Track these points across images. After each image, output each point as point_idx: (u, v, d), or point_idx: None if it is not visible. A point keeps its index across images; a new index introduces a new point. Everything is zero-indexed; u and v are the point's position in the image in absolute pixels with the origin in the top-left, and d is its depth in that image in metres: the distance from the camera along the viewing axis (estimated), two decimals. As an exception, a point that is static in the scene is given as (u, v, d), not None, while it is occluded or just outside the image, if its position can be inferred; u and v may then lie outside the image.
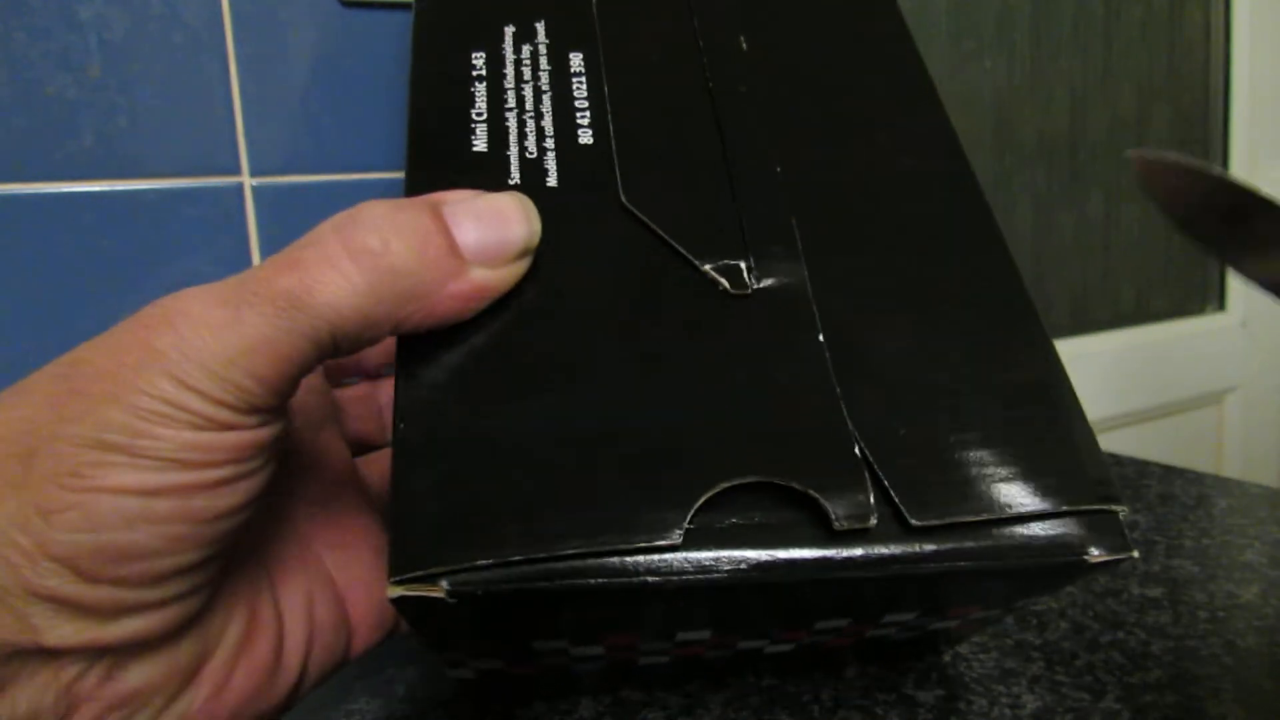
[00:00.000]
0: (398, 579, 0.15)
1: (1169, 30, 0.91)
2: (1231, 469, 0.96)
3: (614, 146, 0.20)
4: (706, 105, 0.21)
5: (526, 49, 0.22)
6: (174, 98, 0.34)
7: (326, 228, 0.17)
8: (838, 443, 0.17)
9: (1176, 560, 0.33)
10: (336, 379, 0.27)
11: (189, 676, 0.18)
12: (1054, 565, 0.17)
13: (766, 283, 0.19)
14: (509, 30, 0.22)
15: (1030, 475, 0.17)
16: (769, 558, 0.16)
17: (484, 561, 0.15)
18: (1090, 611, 0.29)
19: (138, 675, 0.17)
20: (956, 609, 0.20)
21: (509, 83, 0.21)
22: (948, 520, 0.16)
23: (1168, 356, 0.89)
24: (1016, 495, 0.17)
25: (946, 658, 0.27)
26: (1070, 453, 0.18)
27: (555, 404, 0.17)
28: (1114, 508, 0.17)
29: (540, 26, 0.22)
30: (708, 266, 0.19)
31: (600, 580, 0.16)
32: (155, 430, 0.15)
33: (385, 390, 0.27)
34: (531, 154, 0.20)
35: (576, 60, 0.22)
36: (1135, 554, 0.17)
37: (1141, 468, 0.43)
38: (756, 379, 0.18)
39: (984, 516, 0.16)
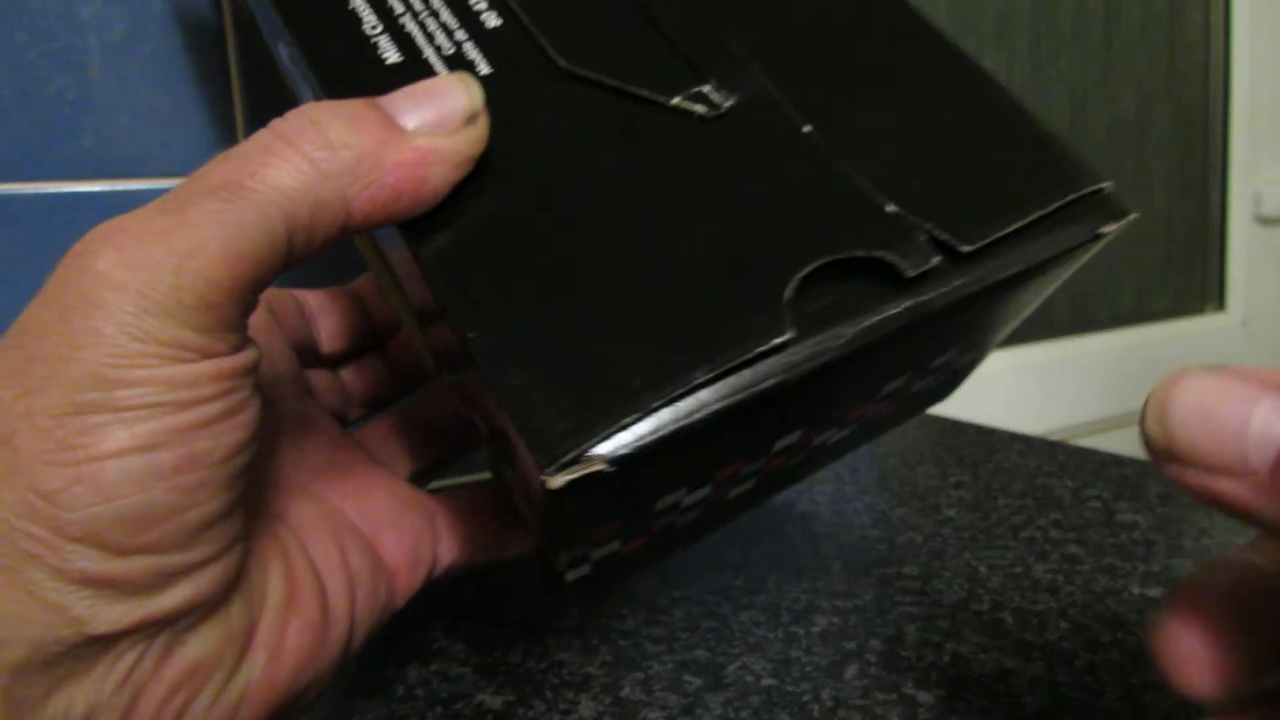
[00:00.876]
0: (554, 469, 0.15)
1: (1169, 30, 0.90)
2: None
3: (524, 20, 0.20)
4: None
5: None
6: (174, 98, 0.34)
7: (260, 130, 0.17)
8: (869, 207, 0.18)
9: (1176, 560, 0.33)
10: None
11: (244, 643, 0.18)
12: (1079, 246, 0.19)
13: (734, 100, 0.19)
14: None
15: (1035, 180, 0.19)
16: (869, 321, 0.17)
17: (629, 419, 0.15)
18: (1090, 611, 0.29)
19: (195, 648, 0.16)
20: (993, 332, 0.23)
21: None
22: (990, 238, 0.18)
23: (1168, 356, 0.89)
24: (1031, 199, 0.18)
25: (946, 658, 0.27)
26: (1055, 154, 0.19)
27: (604, 262, 0.17)
28: (1103, 185, 0.19)
29: None
30: (676, 100, 0.19)
31: (739, 396, 0.16)
32: (130, 374, 0.14)
33: (345, 376, 0.27)
34: (449, 50, 0.20)
35: None
36: (1134, 214, 0.19)
37: (1142, 467, 0.43)
38: (770, 181, 0.18)
39: (1015, 224, 0.18)
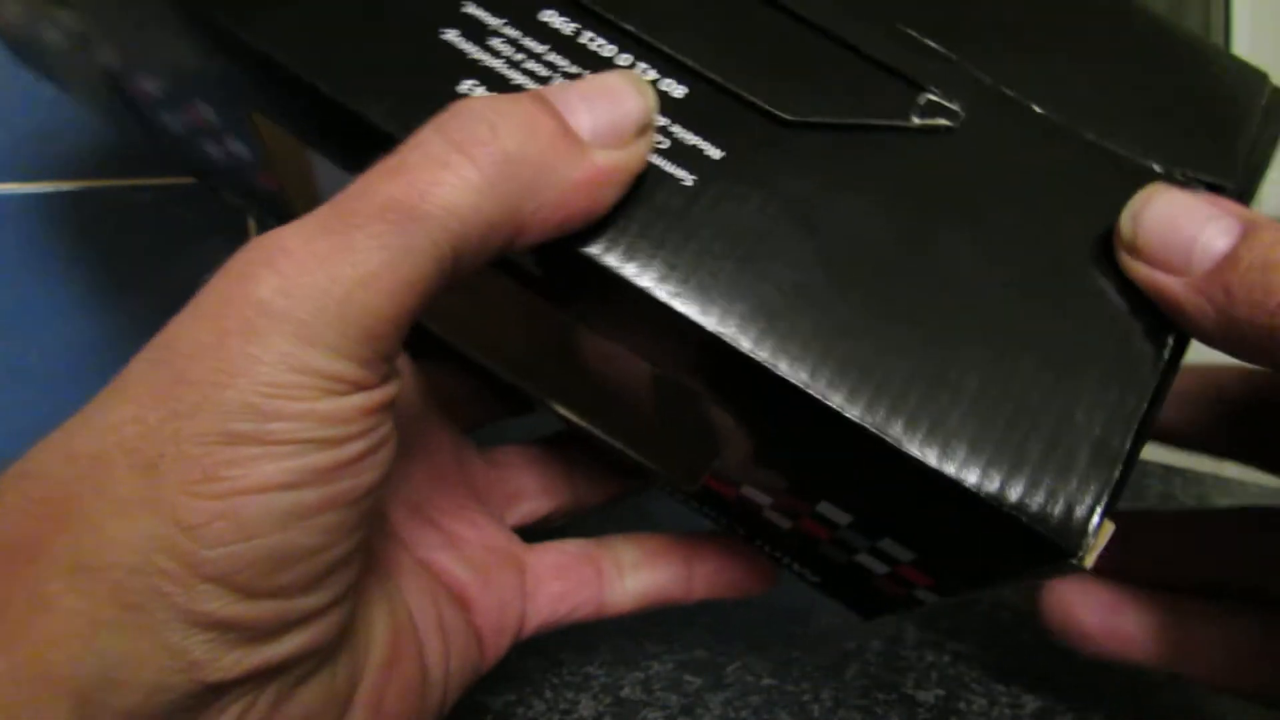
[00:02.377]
0: (1083, 550, 0.15)
1: (1169, 30, 0.90)
2: (1232, 469, 0.95)
3: (717, 80, 0.18)
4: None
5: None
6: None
7: (426, 129, 0.15)
8: (1139, 168, 0.18)
9: (1176, 560, 0.33)
10: None
11: (346, 702, 0.16)
12: None
13: (961, 101, 0.18)
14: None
15: (1236, 103, 0.19)
16: None
17: (1112, 470, 0.15)
18: (1090, 611, 0.29)
19: (301, 706, 0.15)
20: None
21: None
22: (1240, 166, 0.18)
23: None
24: (1244, 121, 0.19)
25: (946, 657, 0.27)
26: (1231, 70, 0.19)
27: (959, 303, 0.16)
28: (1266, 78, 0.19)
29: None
30: (918, 120, 0.18)
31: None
32: (285, 407, 0.13)
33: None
34: (663, 144, 0.18)
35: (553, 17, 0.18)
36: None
37: (1141, 467, 0.43)
38: (1044, 171, 0.18)
39: (1248, 146, 0.18)
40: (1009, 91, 0.18)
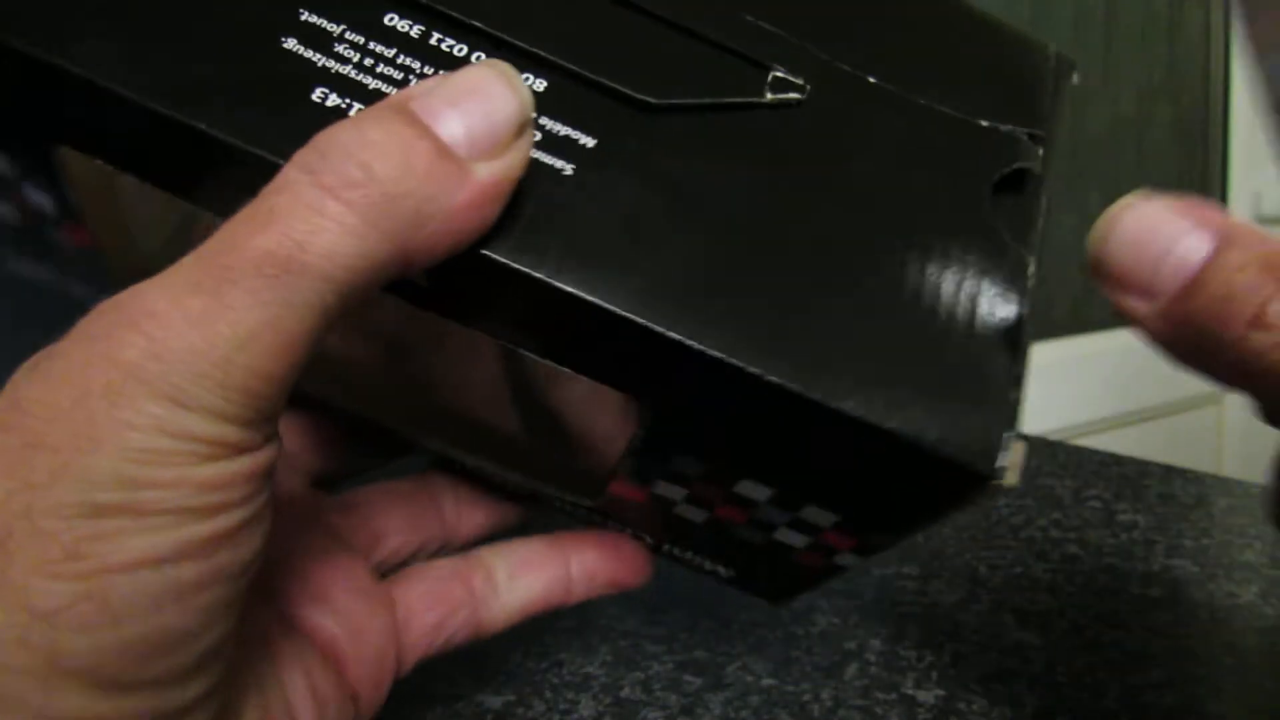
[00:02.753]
0: (997, 468, 0.16)
1: (1169, 30, 0.90)
2: (1231, 469, 0.96)
3: (577, 70, 0.18)
4: None
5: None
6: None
7: (292, 170, 0.14)
8: (973, 127, 0.19)
9: (1176, 560, 0.33)
10: None
11: None
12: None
13: (804, 77, 0.19)
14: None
15: (1031, 71, 0.21)
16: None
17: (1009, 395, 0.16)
18: (1090, 611, 0.29)
19: None
20: None
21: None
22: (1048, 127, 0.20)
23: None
24: (1040, 84, 0.20)
25: (946, 657, 0.27)
26: (1021, 43, 0.21)
27: (834, 258, 0.17)
28: (1050, 47, 0.21)
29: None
30: (770, 96, 0.18)
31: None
32: (159, 474, 0.12)
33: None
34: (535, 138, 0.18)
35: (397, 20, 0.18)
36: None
37: (1141, 467, 0.43)
38: (891, 139, 0.19)
39: (1049, 106, 0.20)
40: (846, 67, 0.19)
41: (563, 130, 0.17)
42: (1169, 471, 0.42)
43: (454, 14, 0.17)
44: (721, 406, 0.17)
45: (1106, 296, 0.16)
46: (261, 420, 0.13)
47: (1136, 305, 0.15)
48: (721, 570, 0.23)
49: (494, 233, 0.15)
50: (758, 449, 0.18)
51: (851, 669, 0.26)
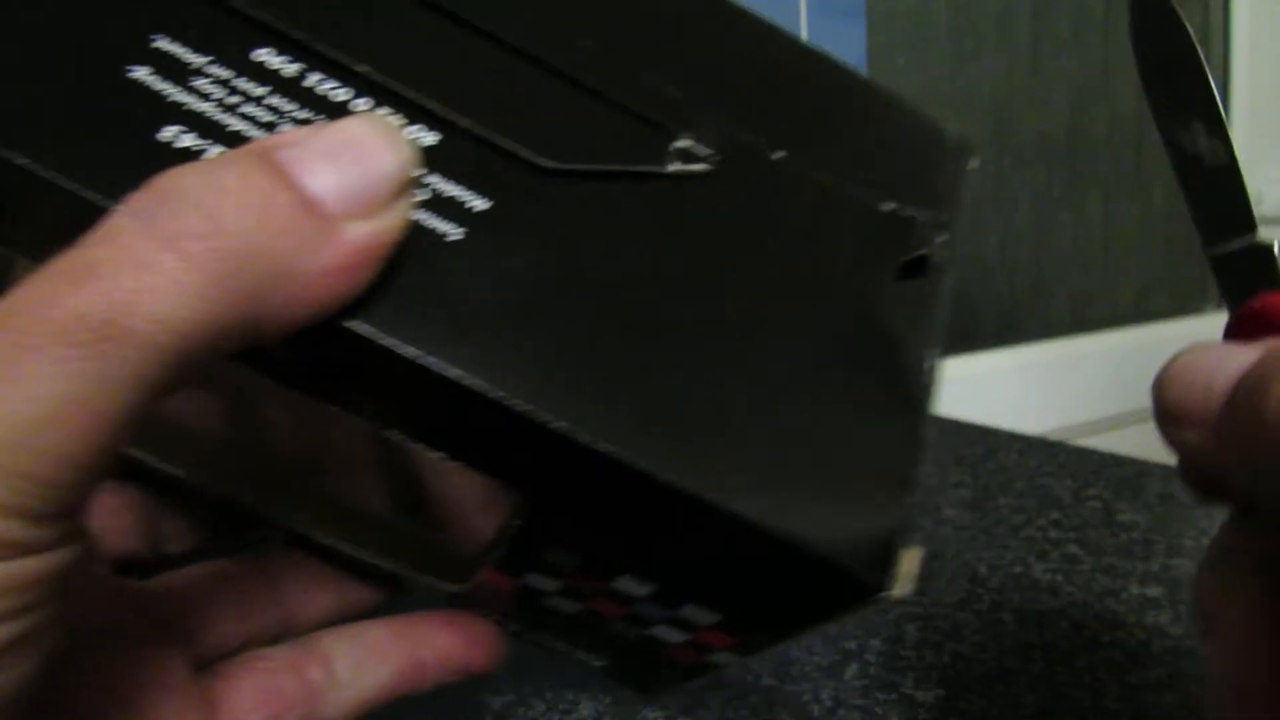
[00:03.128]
0: (891, 582, 0.15)
1: (1169, 30, 0.90)
2: (1231, 469, 0.96)
3: (470, 128, 0.16)
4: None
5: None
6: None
7: (122, 216, 0.12)
8: (873, 211, 0.19)
9: (1176, 560, 0.33)
10: None
11: None
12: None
13: (712, 149, 0.18)
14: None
15: (936, 151, 0.20)
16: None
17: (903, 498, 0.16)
18: (1090, 611, 0.29)
19: None
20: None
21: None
22: (952, 215, 0.20)
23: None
24: (944, 171, 0.20)
25: (946, 657, 0.27)
26: (928, 130, 0.21)
27: (739, 346, 0.16)
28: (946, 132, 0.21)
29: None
30: (674, 166, 0.17)
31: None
32: None
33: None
34: (423, 196, 0.16)
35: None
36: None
37: (1142, 467, 0.43)
38: (795, 215, 0.18)
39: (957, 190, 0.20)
40: (750, 139, 0.18)
41: (451, 191, 0.15)
42: (1169, 471, 0.42)
43: (337, 56, 0.15)
44: (603, 501, 0.16)
45: (1168, 443, 0.15)
46: (56, 514, 0.11)
47: (1192, 437, 0.14)
48: (594, 660, 0.22)
49: (363, 302, 0.14)
50: (640, 547, 0.17)
51: (851, 669, 0.26)
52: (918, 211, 0.19)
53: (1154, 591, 0.31)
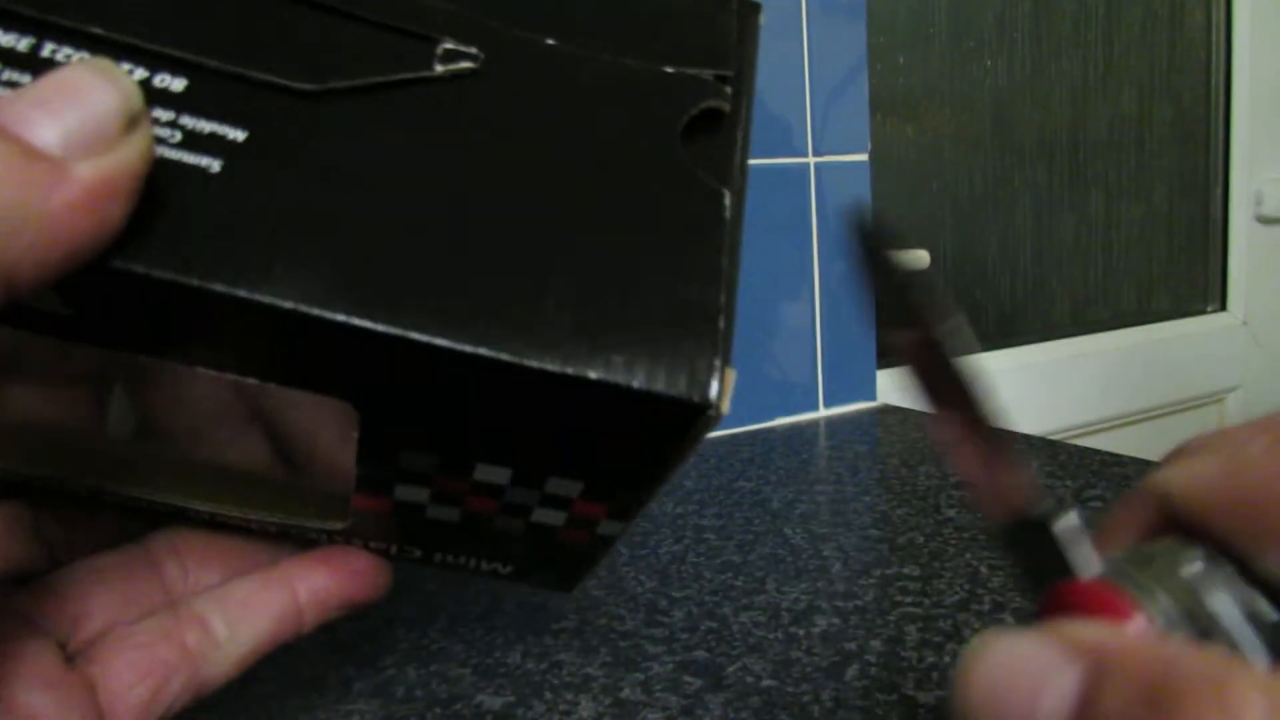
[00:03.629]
0: (715, 396, 0.15)
1: (1169, 30, 0.90)
2: (1232, 469, 0.95)
3: (219, 67, 0.16)
4: None
5: None
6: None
7: None
8: (658, 73, 0.19)
9: (1177, 560, 0.33)
10: None
11: None
12: None
13: (476, 46, 0.18)
14: None
15: (703, 26, 0.20)
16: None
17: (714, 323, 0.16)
18: (1091, 612, 0.29)
19: None
20: None
21: None
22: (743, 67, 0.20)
23: (1168, 356, 0.89)
24: (711, 45, 0.20)
25: (947, 658, 0.27)
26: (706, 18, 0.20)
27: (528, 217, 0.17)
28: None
29: None
30: (441, 69, 0.17)
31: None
32: None
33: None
34: (175, 138, 0.15)
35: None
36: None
37: (1142, 467, 0.43)
38: (578, 97, 0.18)
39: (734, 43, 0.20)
40: (521, 32, 0.18)
41: (206, 127, 0.15)
42: (1170, 471, 0.42)
43: (67, 22, 0.15)
44: (426, 390, 0.16)
45: None
46: None
47: None
48: (500, 568, 0.23)
49: (129, 242, 0.14)
50: (477, 429, 0.17)
51: (852, 670, 0.26)
52: (701, 70, 0.19)
53: (1155, 592, 0.31)
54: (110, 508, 0.21)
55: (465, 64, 0.17)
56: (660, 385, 0.15)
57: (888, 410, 0.58)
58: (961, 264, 0.80)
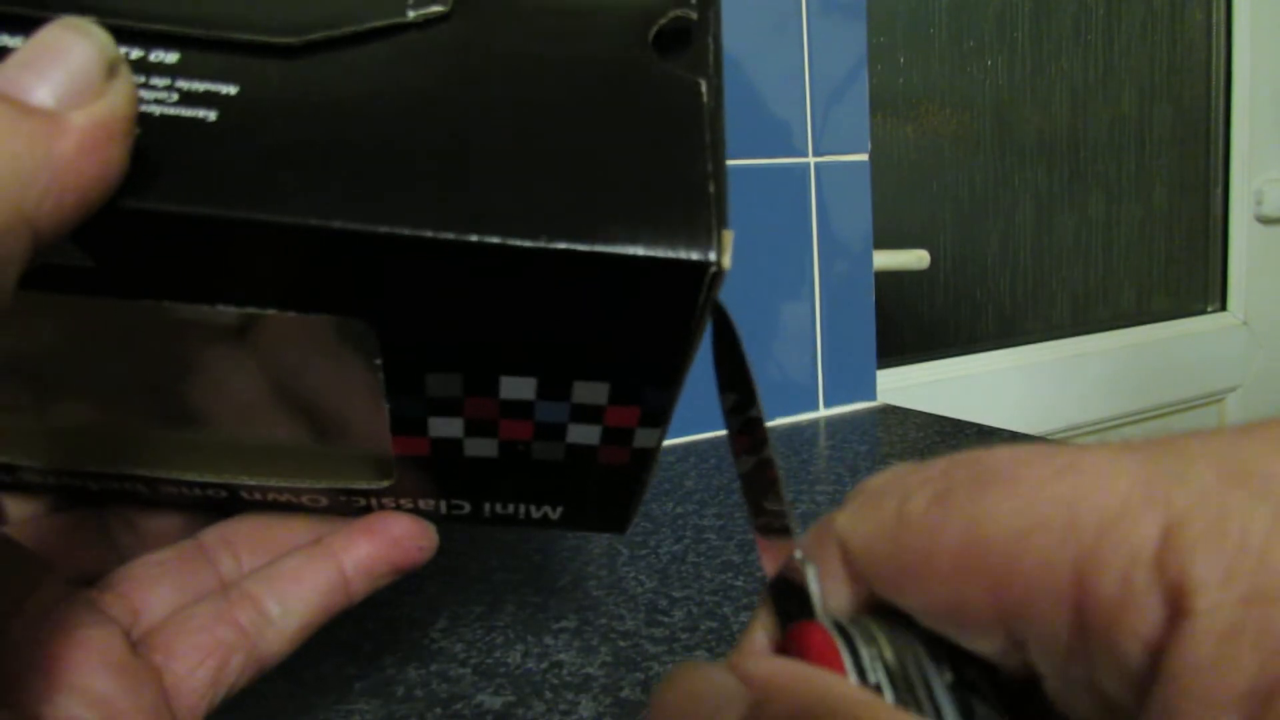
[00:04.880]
0: (716, 251, 0.16)
1: (1169, 30, 0.90)
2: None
3: (206, 35, 0.17)
4: None
5: None
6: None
7: None
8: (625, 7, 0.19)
9: (1177, 560, 0.33)
10: None
11: None
12: None
13: None
14: None
15: None
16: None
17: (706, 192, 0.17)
18: (1091, 611, 0.29)
19: None
20: None
21: None
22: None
23: (1168, 356, 0.89)
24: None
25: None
26: None
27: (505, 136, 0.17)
28: None
29: None
30: (413, 13, 0.18)
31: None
32: None
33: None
34: (172, 104, 0.16)
35: None
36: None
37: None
38: (548, 29, 0.19)
39: None
40: None
41: (201, 86, 0.16)
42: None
43: (45, 15, 0.16)
44: (440, 298, 0.17)
45: None
46: None
47: None
48: (550, 512, 0.23)
49: (139, 184, 0.15)
50: (493, 334, 0.18)
51: (852, 669, 0.26)
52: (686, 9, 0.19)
53: (1155, 591, 0.31)
54: (166, 502, 0.22)
55: (436, 7, 0.18)
56: (662, 250, 0.16)
57: (888, 410, 0.58)
58: (961, 264, 0.80)
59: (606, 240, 0.15)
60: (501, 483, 0.21)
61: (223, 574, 0.22)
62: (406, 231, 0.15)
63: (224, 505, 0.22)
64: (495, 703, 0.25)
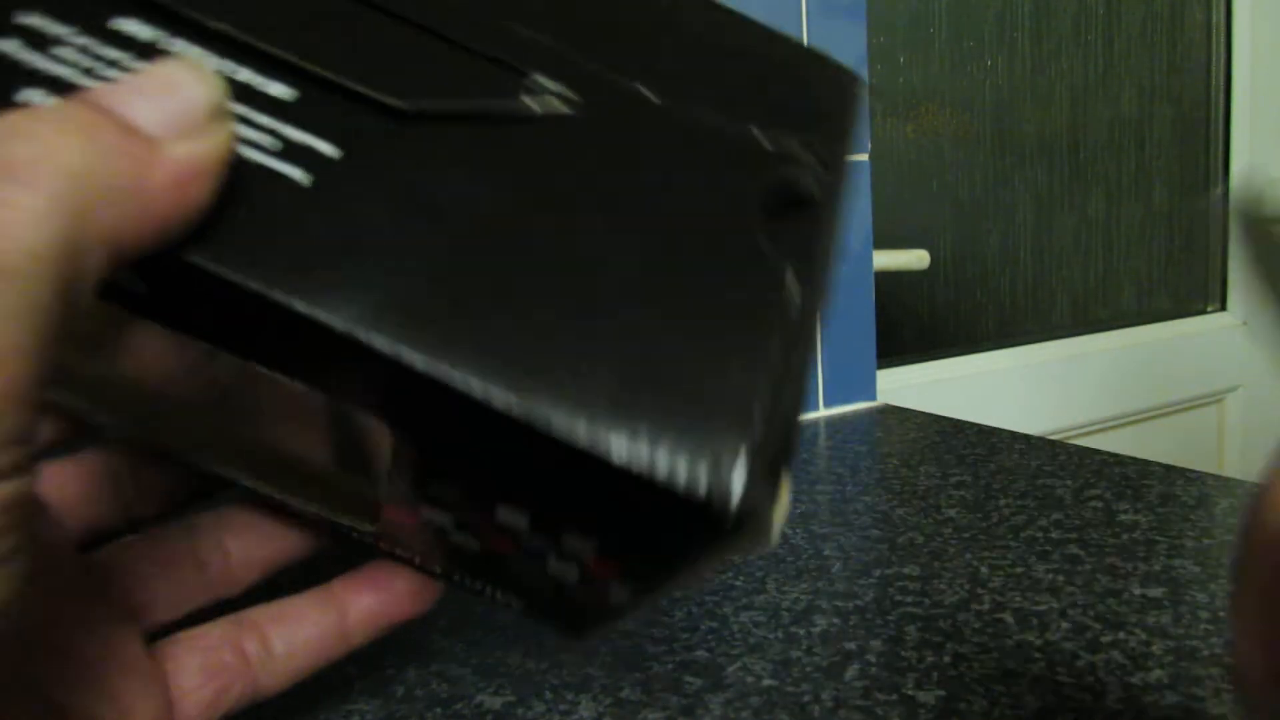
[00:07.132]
0: (732, 498, 0.14)
1: (1169, 30, 0.90)
2: (1233, 468, 0.96)
3: (321, 74, 0.17)
4: None
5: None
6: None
7: None
8: (751, 144, 0.18)
9: (1177, 560, 0.33)
10: None
11: None
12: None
13: (571, 86, 0.18)
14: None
15: (819, 88, 0.20)
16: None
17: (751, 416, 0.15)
18: (1091, 612, 0.29)
19: None
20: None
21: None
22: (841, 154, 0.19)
23: (1168, 356, 0.89)
24: (832, 108, 0.19)
25: (947, 658, 0.27)
26: (809, 61, 0.20)
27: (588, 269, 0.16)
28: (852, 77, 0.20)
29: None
30: (532, 106, 0.17)
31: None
32: None
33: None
34: (275, 147, 0.16)
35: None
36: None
37: (1142, 467, 0.43)
38: (668, 149, 0.18)
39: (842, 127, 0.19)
40: (617, 77, 0.18)
41: (303, 139, 0.16)
42: (1170, 471, 0.42)
43: (192, 16, 0.16)
44: (458, 429, 0.16)
45: None
46: (11, 440, 0.12)
47: None
48: (514, 603, 0.22)
49: (208, 239, 0.15)
50: (501, 470, 0.17)
51: (852, 670, 0.26)
52: (797, 145, 0.18)
53: (1155, 592, 0.31)
54: (183, 478, 0.22)
55: (558, 105, 0.17)
56: (680, 478, 0.14)
57: (888, 410, 0.58)
58: (961, 264, 0.80)
59: (647, 460, 0.14)
60: (481, 569, 0.21)
61: (212, 577, 0.22)
62: (436, 374, 0.14)
63: (216, 484, 0.23)
64: (495, 703, 0.25)
